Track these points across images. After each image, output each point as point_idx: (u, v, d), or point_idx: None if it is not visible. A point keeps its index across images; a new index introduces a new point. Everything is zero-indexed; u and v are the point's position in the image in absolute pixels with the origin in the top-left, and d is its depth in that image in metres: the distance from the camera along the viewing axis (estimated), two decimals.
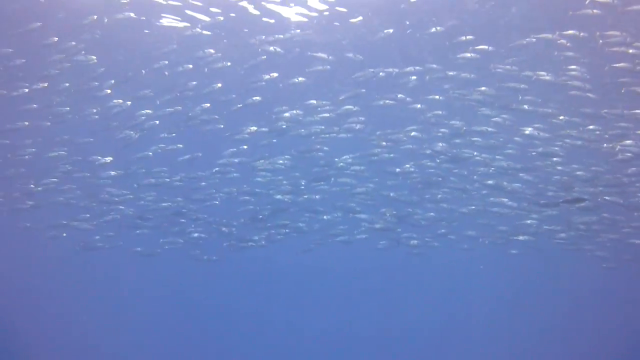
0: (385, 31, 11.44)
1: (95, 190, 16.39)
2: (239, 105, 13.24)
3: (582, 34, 10.36)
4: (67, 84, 12.87)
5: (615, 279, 22.36)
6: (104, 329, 27.03)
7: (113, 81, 12.67)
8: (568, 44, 10.74)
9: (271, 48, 11.90)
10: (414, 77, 12.29)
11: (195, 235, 17.63)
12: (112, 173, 15.13)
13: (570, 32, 10.46)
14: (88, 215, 17.18)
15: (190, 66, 12.30)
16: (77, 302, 29.01)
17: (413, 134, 13.62)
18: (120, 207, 16.81)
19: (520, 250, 18.91)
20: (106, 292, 29.51)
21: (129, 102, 13.01)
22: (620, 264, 18.18)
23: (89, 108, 13.67)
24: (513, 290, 29.24)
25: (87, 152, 14.90)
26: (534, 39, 10.82)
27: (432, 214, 16.83)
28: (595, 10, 9.67)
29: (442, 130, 13.51)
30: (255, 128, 13.99)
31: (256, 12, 11.60)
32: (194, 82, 12.87)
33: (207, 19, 11.75)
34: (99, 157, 14.75)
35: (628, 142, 12.44)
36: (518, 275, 26.23)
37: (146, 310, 29.72)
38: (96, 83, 12.80)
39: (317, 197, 16.76)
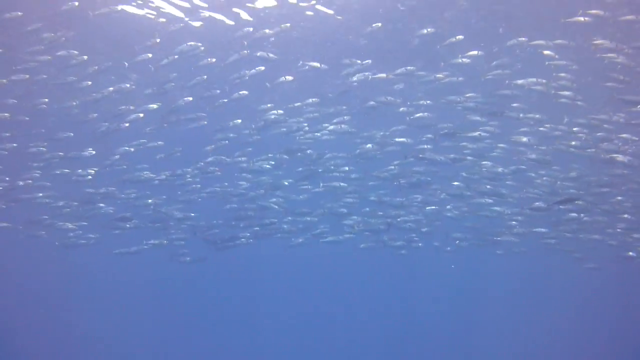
0: (374, 24, 11.16)
1: (76, 187, 15.98)
2: (224, 100, 12.98)
3: (571, 43, 10.32)
4: (45, 76, 12.47)
5: (599, 279, 22.68)
6: (87, 330, 26.76)
7: (96, 67, 12.27)
8: (556, 56, 10.70)
9: (259, 53, 11.65)
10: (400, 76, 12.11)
11: (182, 236, 17.36)
12: (92, 171, 14.75)
13: (559, 41, 10.42)
14: (68, 210, 16.78)
15: (176, 56, 11.96)
16: (60, 301, 28.70)
17: (398, 139, 13.47)
18: (101, 204, 16.43)
19: (505, 250, 19.02)
20: (89, 291, 29.20)
21: (110, 88, 12.63)
22: (603, 265, 18.34)
23: (69, 101, 13.32)
24: (504, 289, 29.47)
25: (67, 147, 14.52)
26: (524, 39, 10.71)
27: (412, 216, 16.70)
28: (586, 18, 9.62)
29: (428, 135, 13.42)
30: (239, 121, 13.76)
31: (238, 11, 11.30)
32: (174, 74, 12.59)
33: (181, 14, 11.42)
34: (81, 153, 14.44)
35: (612, 146, 12.49)
36: (509, 274, 26.42)
37: (131, 310, 29.41)
38: (74, 78, 12.44)
39: (301, 197, 16.56)
